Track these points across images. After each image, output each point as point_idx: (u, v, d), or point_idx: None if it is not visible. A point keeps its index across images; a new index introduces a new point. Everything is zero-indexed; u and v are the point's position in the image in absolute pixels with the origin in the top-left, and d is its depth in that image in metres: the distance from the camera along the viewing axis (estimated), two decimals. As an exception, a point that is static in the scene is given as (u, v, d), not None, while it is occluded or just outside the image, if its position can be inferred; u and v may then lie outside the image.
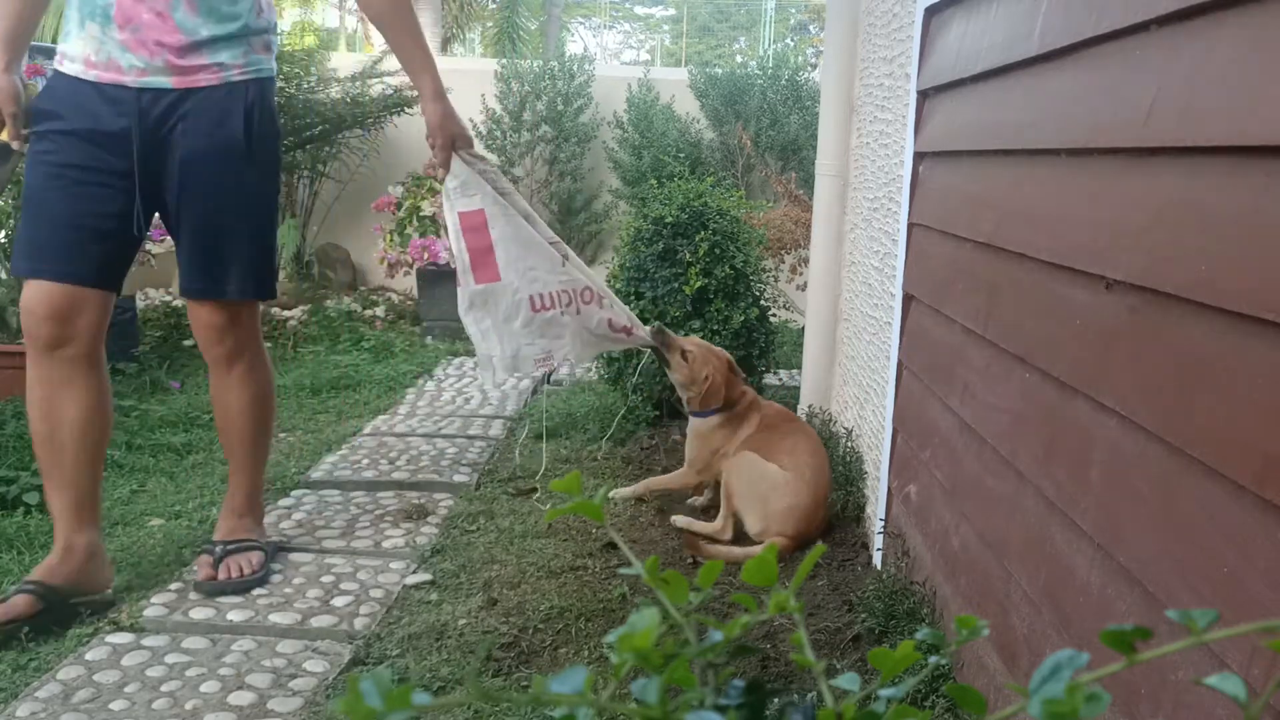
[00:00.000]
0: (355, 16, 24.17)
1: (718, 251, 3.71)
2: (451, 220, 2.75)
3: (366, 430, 3.92)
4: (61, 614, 2.29)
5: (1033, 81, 1.81)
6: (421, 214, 5.71)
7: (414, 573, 2.64)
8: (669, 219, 3.74)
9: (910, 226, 2.52)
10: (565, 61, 6.34)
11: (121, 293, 2.47)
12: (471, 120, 6.18)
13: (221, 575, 2.50)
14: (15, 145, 2.37)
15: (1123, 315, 1.41)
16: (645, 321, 3.73)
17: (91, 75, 2.30)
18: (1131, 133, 1.41)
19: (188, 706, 2.00)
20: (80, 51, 2.30)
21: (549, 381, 4.84)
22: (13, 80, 2.31)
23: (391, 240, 5.74)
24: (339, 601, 2.47)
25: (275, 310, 5.76)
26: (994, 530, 1.87)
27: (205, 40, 2.31)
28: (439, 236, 5.68)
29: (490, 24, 20.93)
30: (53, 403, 2.33)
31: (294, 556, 2.72)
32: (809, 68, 6.66)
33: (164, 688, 2.06)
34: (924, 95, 2.49)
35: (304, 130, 5.84)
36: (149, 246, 4.79)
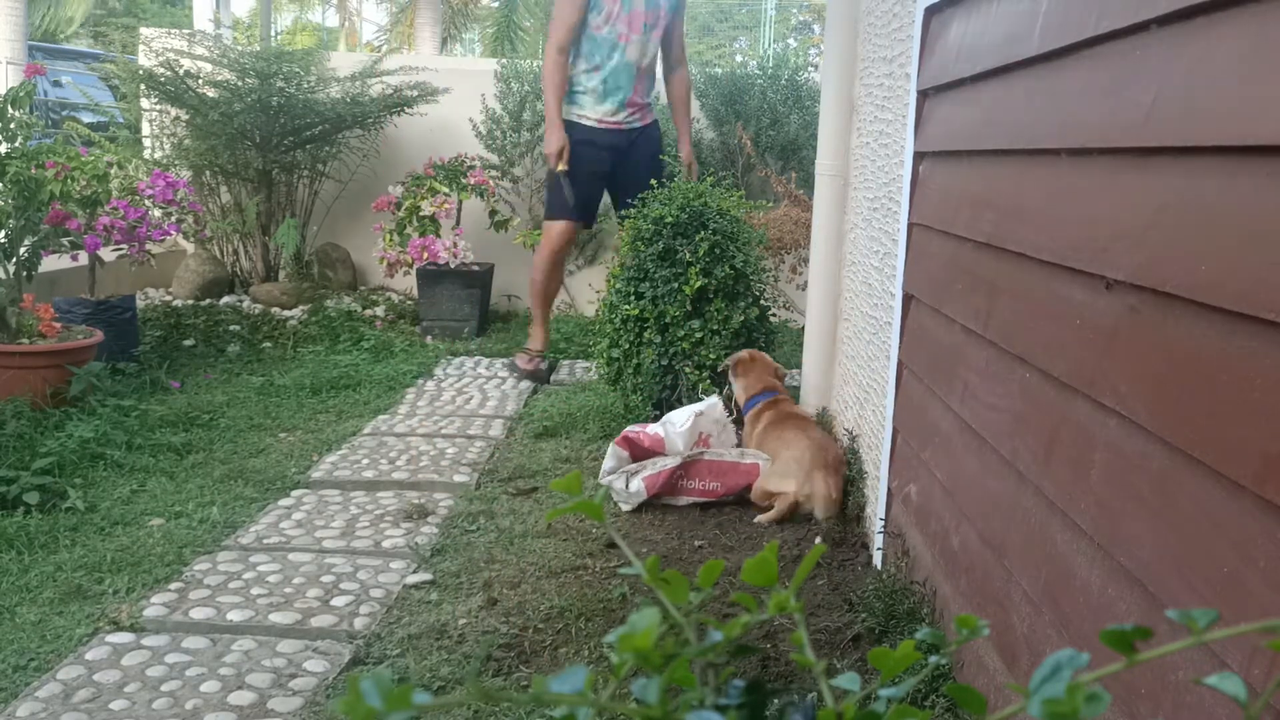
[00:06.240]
0: (358, 18, 24.16)
1: (718, 251, 3.70)
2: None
3: (366, 430, 3.92)
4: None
5: (1033, 81, 1.81)
6: (421, 214, 5.71)
7: (414, 573, 2.64)
8: (669, 219, 3.74)
9: (910, 226, 2.52)
10: (565, 61, 6.34)
11: None
12: (471, 120, 6.18)
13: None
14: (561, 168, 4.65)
15: (1123, 315, 1.41)
16: (645, 319, 3.74)
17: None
18: (1131, 133, 1.41)
19: (188, 706, 2.00)
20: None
21: (549, 380, 4.84)
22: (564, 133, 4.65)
23: (391, 240, 5.74)
24: (339, 601, 2.47)
25: (275, 310, 5.76)
26: (994, 530, 1.87)
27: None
28: (439, 236, 5.67)
29: (489, 24, 20.92)
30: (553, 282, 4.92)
31: (294, 556, 2.72)
32: (809, 68, 6.65)
33: (164, 687, 2.06)
34: (924, 95, 2.49)
35: (304, 130, 5.84)
36: (149, 247, 4.79)
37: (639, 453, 3.27)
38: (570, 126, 4.69)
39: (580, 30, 4.62)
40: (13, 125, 3.96)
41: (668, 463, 3.14)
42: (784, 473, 3.06)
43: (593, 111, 4.70)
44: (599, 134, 4.69)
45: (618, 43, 4.66)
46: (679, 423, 3.31)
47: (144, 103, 6.23)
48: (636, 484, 3.09)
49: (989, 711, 0.54)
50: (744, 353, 3.56)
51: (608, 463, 3.25)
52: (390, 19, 21.29)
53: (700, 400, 3.50)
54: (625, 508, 3.08)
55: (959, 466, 2.09)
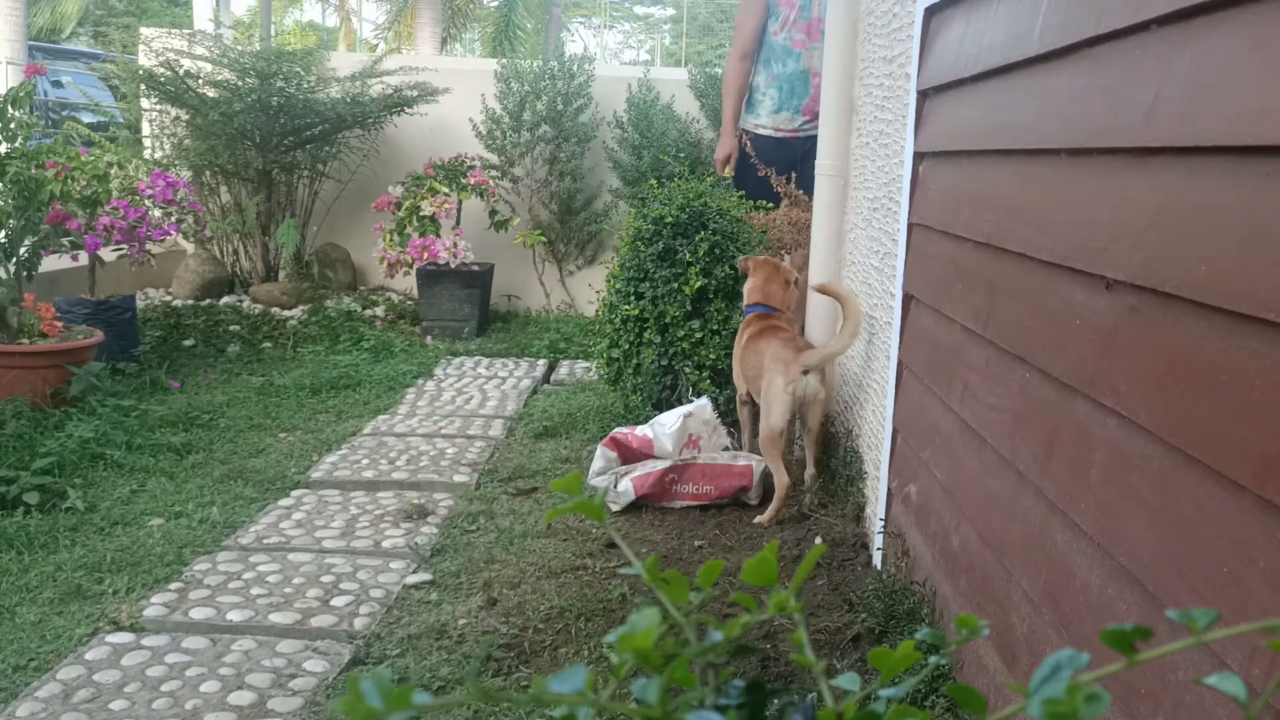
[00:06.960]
0: (356, 17, 24.14)
1: (718, 251, 3.71)
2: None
3: (366, 430, 3.92)
4: None
5: (1033, 81, 1.81)
6: (421, 214, 5.71)
7: (414, 573, 2.64)
8: (669, 219, 3.74)
9: (910, 226, 2.52)
10: (565, 61, 6.33)
11: None
12: (471, 120, 6.18)
13: None
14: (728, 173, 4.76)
15: (1122, 315, 1.41)
16: (645, 319, 3.74)
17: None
18: (1131, 133, 1.41)
19: (188, 706, 2.00)
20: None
21: (549, 380, 4.84)
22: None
23: (391, 240, 5.74)
24: (339, 601, 2.47)
25: (275, 310, 5.76)
26: (994, 530, 1.87)
27: None
28: (439, 236, 5.67)
29: (488, 24, 20.92)
30: None
31: (294, 556, 2.72)
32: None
33: (164, 687, 2.06)
34: (924, 95, 2.49)
35: (304, 130, 5.84)
36: (149, 247, 4.79)
37: (628, 454, 3.28)
38: (745, 135, 4.78)
39: (761, 37, 4.70)
40: (13, 125, 3.96)
41: (658, 465, 3.14)
42: (769, 385, 3.07)
43: (767, 119, 4.76)
44: (771, 142, 4.69)
45: (792, 49, 4.70)
46: (668, 424, 3.32)
47: (144, 103, 6.23)
48: (624, 484, 3.09)
49: (989, 711, 0.54)
50: (762, 258, 3.51)
51: (596, 464, 3.25)
52: (388, 18, 21.27)
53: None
54: (614, 507, 3.08)
55: (959, 466, 2.09)
